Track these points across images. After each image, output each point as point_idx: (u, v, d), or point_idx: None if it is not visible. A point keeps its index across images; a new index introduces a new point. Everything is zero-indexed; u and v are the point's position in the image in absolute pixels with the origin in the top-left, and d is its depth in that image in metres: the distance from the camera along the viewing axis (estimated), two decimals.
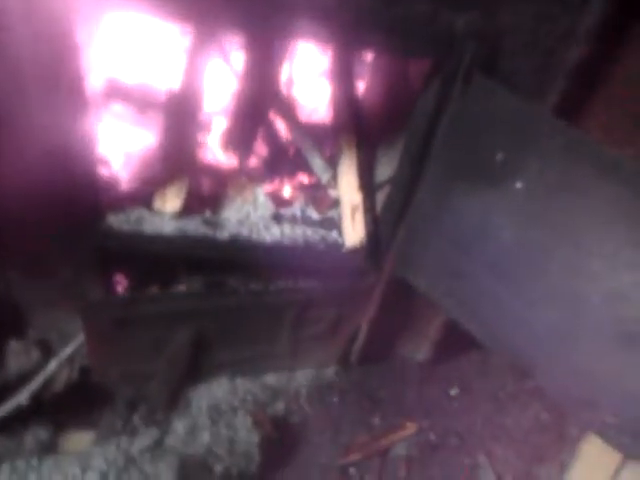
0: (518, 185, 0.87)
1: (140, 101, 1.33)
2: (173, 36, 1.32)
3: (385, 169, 1.22)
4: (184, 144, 1.23)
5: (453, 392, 1.40)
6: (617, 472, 1.17)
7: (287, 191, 1.29)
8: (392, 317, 1.31)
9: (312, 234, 1.20)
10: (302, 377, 1.35)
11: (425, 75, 0.94)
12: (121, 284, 1.23)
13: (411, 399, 1.36)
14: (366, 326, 1.30)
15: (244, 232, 1.18)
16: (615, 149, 1.02)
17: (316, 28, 0.87)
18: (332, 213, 1.25)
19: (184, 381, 1.25)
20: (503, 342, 1.02)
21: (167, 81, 1.29)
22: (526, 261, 0.91)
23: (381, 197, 1.21)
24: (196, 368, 1.25)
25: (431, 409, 1.35)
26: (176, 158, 1.21)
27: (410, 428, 1.29)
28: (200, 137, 1.30)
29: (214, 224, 1.18)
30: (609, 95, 0.98)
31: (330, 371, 1.37)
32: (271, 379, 1.33)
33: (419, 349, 1.41)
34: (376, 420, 1.30)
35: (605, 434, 0.97)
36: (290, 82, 1.36)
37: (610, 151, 0.79)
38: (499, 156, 0.88)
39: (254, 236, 1.18)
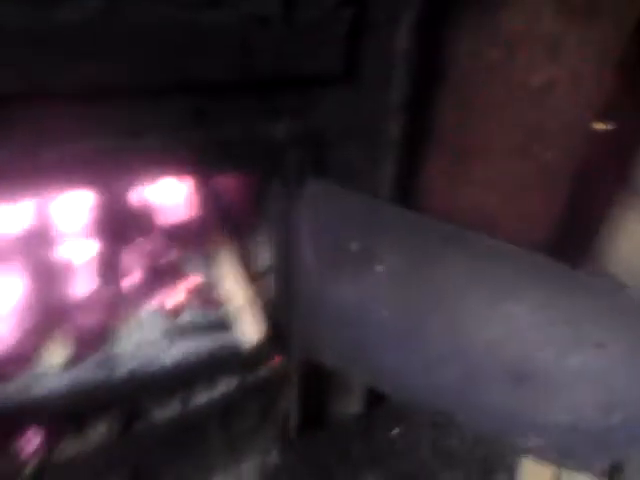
0: (379, 269, 0.89)
1: None
2: None
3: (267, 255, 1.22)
4: (55, 284, 1.18)
5: (395, 432, 1.43)
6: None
7: (174, 300, 1.27)
8: (317, 387, 1.32)
9: (212, 341, 1.18)
10: (246, 471, 1.33)
11: (257, 185, 0.94)
12: (32, 442, 1.17)
13: (357, 454, 1.38)
14: (294, 404, 1.30)
15: (141, 362, 1.15)
16: (458, 190, 1.08)
17: (142, 171, 0.85)
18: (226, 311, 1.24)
19: None
20: (417, 399, 1.05)
21: (19, 220, 1.23)
22: (409, 331, 0.94)
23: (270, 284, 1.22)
24: None
25: (378, 457, 1.38)
26: (50, 302, 1.15)
27: None
28: (70, 271, 1.25)
29: (109, 364, 1.14)
30: (439, 147, 1.02)
31: (273, 455, 1.36)
32: None
33: (352, 404, 1.42)
34: None
35: (531, 453, 1.03)
36: (146, 189, 1.33)
37: (446, 225, 0.83)
38: (354, 245, 0.89)
39: (153, 364, 1.14)
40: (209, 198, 1.22)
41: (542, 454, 1.04)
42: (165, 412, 1.19)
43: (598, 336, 0.83)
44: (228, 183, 1.23)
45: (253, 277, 1.22)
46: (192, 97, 0.82)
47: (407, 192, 0.96)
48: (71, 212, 1.23)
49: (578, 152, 1.01)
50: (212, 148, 0.85)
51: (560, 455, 1.02)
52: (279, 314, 1.19)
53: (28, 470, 1.08)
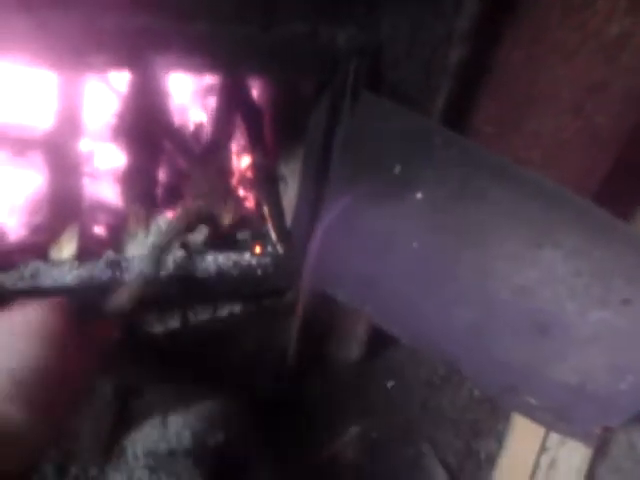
0: (419, 196, 0.87)
1: (17, 142, 1.21)
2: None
3: (290, 181, 1.20)
4: (70, 181, 1.14)
5: (389, 385, 1.43)
6: (547, 433, 1.25)
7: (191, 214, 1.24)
8: (318, 325, 1.31)
9: (224, 260, 1.16)
10: (234, 403, 1.32)
11: (313, 92, 0.92)
12: None
13: (350, 401, 1.38)
14: (294, 339, 1.29)
15: None
16: (505, 139, 1.06)
17: (189, 60, 0.82)
18: (242, 235, 1.22)
19: (114, 433, 1.19)
20: (426, 342, 1.04)
21: (43, 115, 1.19)
22: (436, 267, 0.92)
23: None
24: (125, 416, 1.19)
25: (370, 407, 1.37)
26: (64, 198, 1.13)
27: (353, 432, 1.30)
28: (88, 170, 1.21)
29: (118, 265, 1.11)
30: (494, 89, 1.00)
31: (264, 390, 1.35)
32: (206, 408, 1.30)
33: (350, 350, 1.42)
34: (318, 432, 1.30)
35: (530, 414, 1.03)
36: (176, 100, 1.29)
37: (499, 158, 0.81)
38: (397, 168, 0.87)
39: (163, 272, 1.12)
40: (243, 112, 1.18)
41: (539, 415, 1.03)
42: (165, 324, 1.17)
43: (626, 291, 0.82)
44: (265, 98, 1.19)
45: (274, 199, 1.20)
46: None
47: (454, 130, 0.94)
48: (102, 109, 1.19)
49: (632, 122, 0.99)
50: (272, 46, 0.82)
51: (557, 417, 1.01)
52: (296, 241, 1.17)
53: None
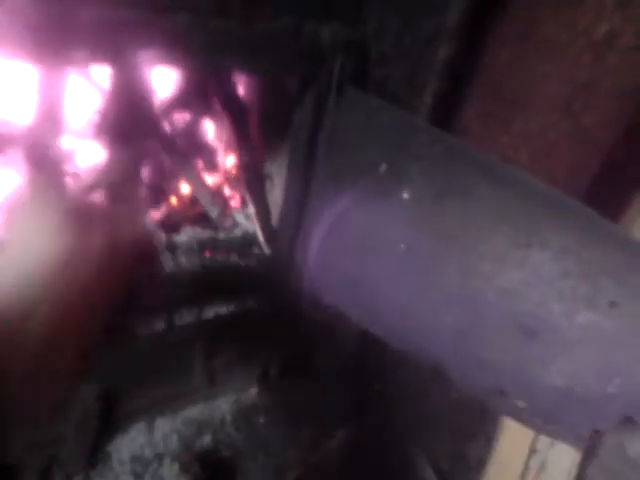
0: (405, 195, 0.86)
1: None
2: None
3: (276, 179, 1.18)
4: (53, 179, 1.12)
5: (376, 389, 1.41)
6: (537, 435, 1.24)
7: (177, 216, 1.22)
8: (306, 326, 1.29)
9: (210, 261, 1.15)
10: (225, 404, 1.30)
11: (298, 89, 0.90)
12: None
13: (337, 404, 1.36)
14: (280, 344, 1.27)
15: None
16: (493, 138, 1.04)
17: (169, 54, 0.80)
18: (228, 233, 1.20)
19: (99, 437, 1.17)
20: (414, 345, 1.02)
21: (23, 112, 1.16)
22: (423, 267, 0.91)
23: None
24: (110, 421, 1.17)
25: (358, 411, 1.36)
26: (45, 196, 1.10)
27: (340, 435, 1.29)
28: (70, 168, 1.19)
29: None
30: (482, 87, 0.98)
31: (252, 392, 1.34)
32: (193, 412, 1.28)
33: (338, 355, 1.40)
34: (305, 433, 1.29)
35: (518, 417, 1.01)
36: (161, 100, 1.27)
37: (486, 156, 0.79)
38: (383, 167, 0.86)
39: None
40: (228, 110, 1.16)
41: (528, 418, 1.02)
42: (150, 326, 1.15)
43: (613, 293, 0.80)
44: (250, 95, 1.17)
45: (261, 198, 1.18)
46: None
47: (441, 129, 0.92)
48: (84, 105, 1.17)
49: (621, 123, 0.98)
50: (254, 40, 0.80)
51: (546, 421, 1.00)
52: (281, 241, 1.15)
53: None
